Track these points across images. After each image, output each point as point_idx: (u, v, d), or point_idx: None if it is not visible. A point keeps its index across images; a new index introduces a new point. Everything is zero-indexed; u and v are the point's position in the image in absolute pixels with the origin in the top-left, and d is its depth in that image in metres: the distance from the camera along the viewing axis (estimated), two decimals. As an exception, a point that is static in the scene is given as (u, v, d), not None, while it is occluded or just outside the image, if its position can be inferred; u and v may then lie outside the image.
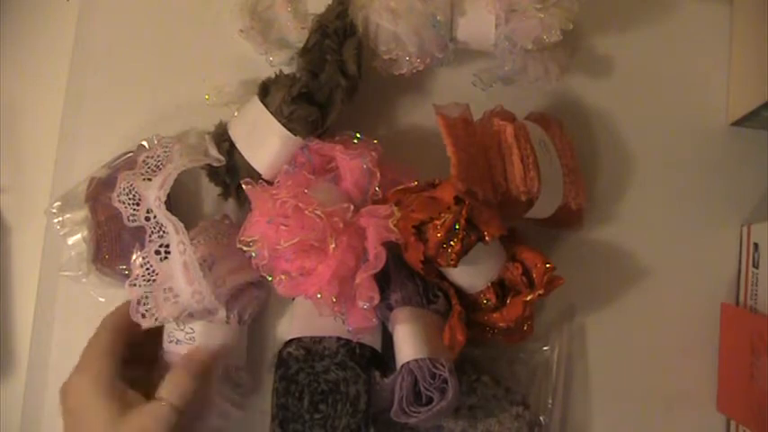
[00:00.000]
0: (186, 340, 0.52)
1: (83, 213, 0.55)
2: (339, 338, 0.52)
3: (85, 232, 0.55)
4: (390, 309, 0.51)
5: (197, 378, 0.50)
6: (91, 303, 0.57)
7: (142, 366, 0.52)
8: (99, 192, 0.55)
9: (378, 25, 0.54)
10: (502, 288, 0.51)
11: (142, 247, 0.53)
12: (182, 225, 0.49)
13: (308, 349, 0.52)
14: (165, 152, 0.52)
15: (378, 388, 0.51)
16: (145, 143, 0.57)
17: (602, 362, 0.57)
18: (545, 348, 0.56)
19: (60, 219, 0.55)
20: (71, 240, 0.56)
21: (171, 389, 0.50)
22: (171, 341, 0.52)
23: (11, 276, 0.59)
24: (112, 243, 0.54)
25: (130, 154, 0.56)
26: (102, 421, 0.48)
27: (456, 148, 0.49)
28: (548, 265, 0.50)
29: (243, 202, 0.57)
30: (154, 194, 0.49)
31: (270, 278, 0.50)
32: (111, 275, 0.55)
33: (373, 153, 0.51)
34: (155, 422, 0.48)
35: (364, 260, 0.48)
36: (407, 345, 0.49)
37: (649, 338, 0.57)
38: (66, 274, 0.56)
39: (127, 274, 0.54)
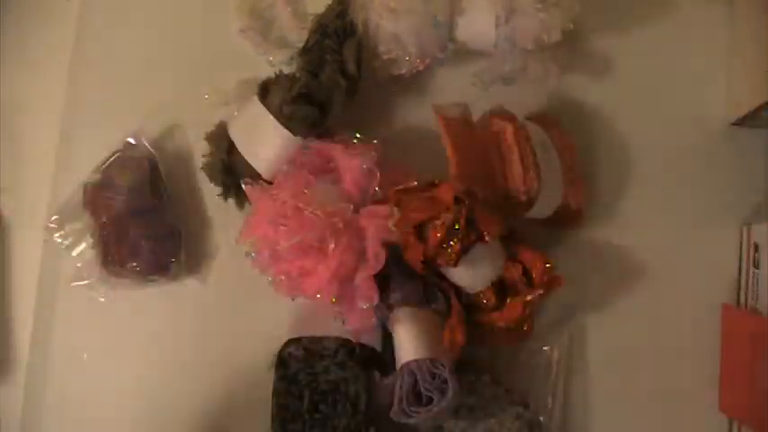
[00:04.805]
0: None
1: (82, 222, 0.56)
2: (339, 338, 0.52)
3: (89, 239, 0.55)
4: (390, 309, 0.51)
5: None
6: (90, 303, 0.57)
7: None
8: (96, 195, 0.55)
9: (378, 25, 0.54)
10: (502, 288, 0.51)
11: (149, 240, 0.53)
12: None
13: (308, 349, 0.52)
14: None
15: (378, 388, 0.51)
16: (132, 140, 0.57)
17: (603, 362, 0.57)
18: (545, 348, 0.56)
19: (61, 231, 0.56)
20: (75, 251, 0.56)
21: None
22: None
23: (11, 276, 0.59)
24: (119, 242, 0.54)
25: (118, 153, 0.56)
26: None
27: (455, 148, 0.49)
28: (548, 265, 0.50)
29: (243, 202, 0.57)
30: None
31: (270, 278, 0.50)
32: (123, 275, 0.55)
33: (373, 153, 0.51)
34: None
35: (364, 260, 0.48)
36: (407, 345, 0.48)
37: (650, 339, 0.57)
38: (78, 284, 0.55)
39: (139, 271, 0.54)
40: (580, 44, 0.61)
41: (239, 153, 0.53)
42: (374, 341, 0.52)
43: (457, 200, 0.47)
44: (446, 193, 0.48)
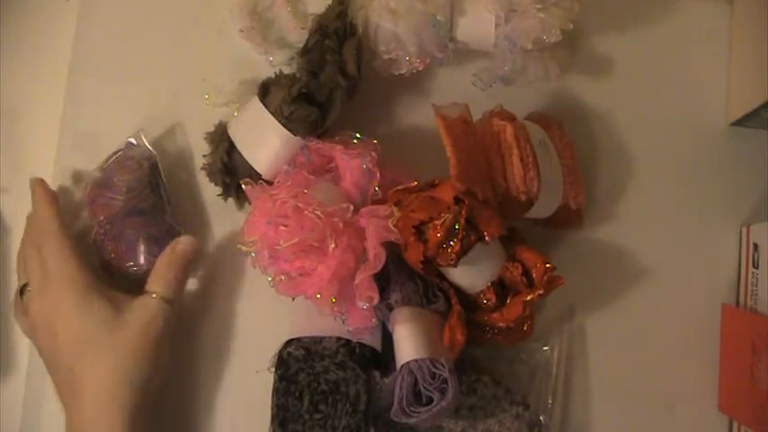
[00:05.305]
0: None
1: (82, 221, 0.56)
2: (339, 338, 0.52)
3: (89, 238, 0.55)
4: (390, 309, 0.51)
5: (183, 269, 0.52)
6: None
7: None
8: (96, 194, 0.55)
9: (378, 25, 0.54)
10: (502, 288, 0.51)
11: (148, 241, 0.53)
12: None
13: (308, 349, 0.52)
14: None
15: (378, 388, 0.51)
16: (132, 140, 0.57)
17: (603, 362, 0.57)
18: (545, 348, 0.56)
19: None
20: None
21: (159, 282, 0.51)
22: None
23: (11, 276, 0.59)
24: (116, 242, 0.54)
25: (120, 152, 0.56)
26: (99, 328, 0.48)
27: (455, 148, 0.49)
28: (548, 265, 0.50)
29: (243, 202, 0.57)
30: None
31: (270, 278, 0.50)
32: (118, 275, 0.55)
33: (373, 153, 0.51)
34: (152, 315, 0.49)
35: (364, 260, 0.48)
36: (407, 345, 0.48)
37: (650, 339, 0.57)
38: None
39: (136, 270, 0.54)
40: (580, 44, 0.61)
41: (239, 153, 0.53)
42: (374, 341, 0.52)
43: (457, 200, 0.47)
44: (446, 193, 0.48)
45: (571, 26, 0.53)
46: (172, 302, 0.51)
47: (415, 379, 0.48)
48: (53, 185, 0.59)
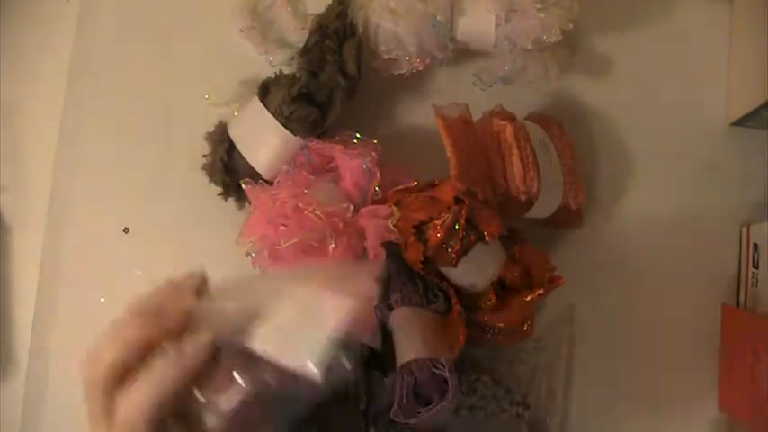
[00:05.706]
0: None
1: None
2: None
3: None
4: (390, 309, 0.51)
5: None
6: (91, 303, 0.57)
7: None
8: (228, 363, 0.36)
9: (378, 25, 0.54)
10: (502, 288, 0.51)
11: None
12: None
13: (308, 349, 0.52)
14: None
15: (378, 388, 0.51)
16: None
17: (603, 362, 0.57)
18: (545, 348, 0.56)
19: None
20: None
21: None
22: None
23: (11, 276, 0.59)
24: None
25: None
26: None
27: (455, 148, 0.49)
28: (548, 265, 0.50)
29: (243, 202, 0.57)
30: None
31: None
32: None
33: (373, 153, 0.51)
34: None
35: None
36: (407, 345, 0.48)
37: (650, 339, 0.57)
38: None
39: None
40: (580, 44, 0.61)
41: (239, 153, 0.53)
42: (374, 341, 0.52)
43: (457, 200, 0.47)
44: (446, 193, 0.48)
45: (571, 26, 0.53)
46: None
47: (415, 379, 0.48)
48: (53, 186, 0.59)
